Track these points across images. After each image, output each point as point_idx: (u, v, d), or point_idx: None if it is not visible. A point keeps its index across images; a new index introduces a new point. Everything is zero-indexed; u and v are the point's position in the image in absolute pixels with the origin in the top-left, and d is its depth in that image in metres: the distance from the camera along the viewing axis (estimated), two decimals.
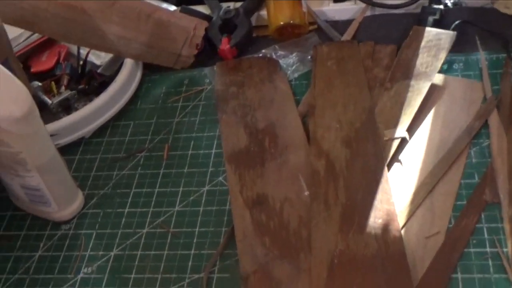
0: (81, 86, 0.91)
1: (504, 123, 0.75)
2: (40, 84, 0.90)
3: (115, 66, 0.93)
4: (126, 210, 0.78)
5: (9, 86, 0.66)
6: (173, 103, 0.91)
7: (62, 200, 0.76)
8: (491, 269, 0.63)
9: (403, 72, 0.83)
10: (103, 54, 0.95)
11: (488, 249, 0.65)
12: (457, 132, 0.76)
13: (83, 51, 0.95)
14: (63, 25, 0.88)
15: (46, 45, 0.97)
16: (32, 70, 0.95)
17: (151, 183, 0.80)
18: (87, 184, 0.82)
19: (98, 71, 0.93)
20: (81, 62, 0.94)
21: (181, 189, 0.79)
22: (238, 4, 0.99)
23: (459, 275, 0.63)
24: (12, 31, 0.89)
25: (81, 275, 0.72)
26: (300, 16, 0.95)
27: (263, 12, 0.98)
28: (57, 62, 0.94)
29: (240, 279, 0.67)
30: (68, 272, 0.73)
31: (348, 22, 0.96)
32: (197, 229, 0.74)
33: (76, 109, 0.88)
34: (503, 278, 0.62)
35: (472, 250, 0.65)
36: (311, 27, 0.97)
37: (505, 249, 0.64)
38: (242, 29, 0.95)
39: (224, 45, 0.93)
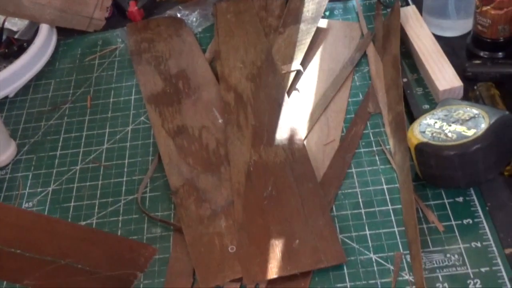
0: (0, 51, 0.97)
1: (379, 52, 0.90)
2: None
3: (32, 31, 1.00)
4: (58, 152, 0.85)
5: None
6: (90, 61, 0.99)
7: None
8: (378, 162, 0.77)
9: (293, 19, 0.96)
10: (19, 21, 1.01)
11: (374, 148, 0.79)
12: (342, 63, 0.90)
13: (0, 19, 1.01)
14: None
15: None
16: None
17: (78, 128, 0.88)
18: (17, 135, 0.89)
19: (15, 36, 0.99)
20: None
21: (107, 130, 0.87)
22: None
23: (353, 170, 0.77)
24: None
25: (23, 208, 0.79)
26: None
27: None
28: None
29: (170, 194, 0.77)
30: None
31: None
32: (126, 161, 0.83)
33: None
34: (388, 167, 0.76)
35: (362, 150, 0.79)
36: None
37: (388, 146, 0.79)
38: None
39: (132, 7, 1.02)
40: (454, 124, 0.70)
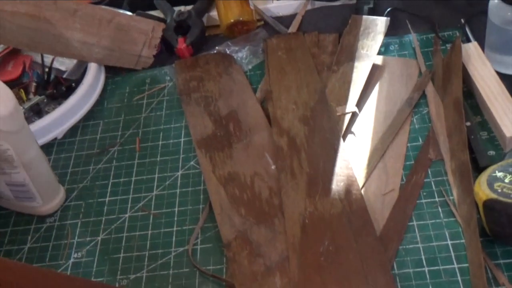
0: (49, 92, 0.96)
1: (439, 92, 0.86)
2: None
3: (80, 70, 0.99)
4: (107, 199, 0.83)
5: None
6: (138, 100, 0.97)
7: (46, 194, 0.82)
8: (441, 215, 0.73)
9: (347, 56, 0.93)
10: (67, 60, 1.00)
11: (437, 199, 0.75)
12: (400, 104, 0.86)
13: (47, 59, 1.00)
14: (28, 35, 0.94)
15: (10, 55, 1.01)
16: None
17: (127, 173, 0.86)
18: (66, 180, 0.87)
19: (64, 76, 0.98)
20: (46, 69, 0.98)
21: (156, 175, 0.85)
22: (190, 7, 1.06)
23: (415, 222, 0.73)
24: None
25: (72, 260, 0.77)
26: (248, 14, 1.03)
27: (214, 13, 1.06)
28: (23, 71, 0.99)
29: (222, 246, 0.74)
30: (59, 259, 0.78)
31: (291, 17, 1.05)
32: (176, 209, 0.80)
33: (47, 113, 0.93)
34: (452, 220, 0.72)
35: (423, 201, 0.75)
36: (258, 23, 1.05)
37: (451, 197, 0.74)
38: (196, 28, 1.02)
39: (181, 44, 1.00)
40: None
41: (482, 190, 0.66)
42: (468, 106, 0.83)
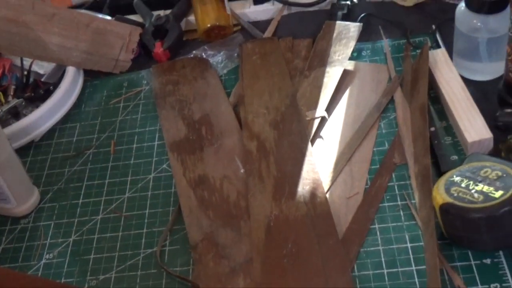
0: (27, 94, 0.98)
1: (407, 97, 0.87)
2: None
3: (58, 74, 1.00)
4: (80, 201, 0.85)
5: None
6: (115, 104, 0.99)
7: (20, 196, 0.83)
8: (403, 218, 0.75)
9: (319, 61, 0.94)
10: (46, 63, 1.02)
11: (399, 202, 0.76)
12: (368, 109, 0.88)
13: (26, 62, 1.02)
14: (7, 38, 0.95)
15: None
16: None
17: (101, 175, 0.88)
18: (41, 182, 0.89)
19: (42, 79, 1.00)
20: (25, 73, 1.00)
21: (129, 178, 0.87)
22: (168, 11, 1.08)
23: (377, 225, 0.74)
24: None
25: (43, 261, 0.79)
26: (225, 19, 1.05)
27: (191, 18, 1.08)
28: (2, 74, 1.01)
29: (189, 248, 0.76)
30: (31, 259, 0.79)
31: (268, 22, 1.07)
32: (147, 211, 0.82)
33: (25, 115, 0.95)
34: (413, 224, 0.74)
35: (386, 204, 0.76)
36: (235, 28, 1.07)
37: (413, 201, 0.76)
38: (173, 33, 1.04)
39: (158, 48, 1.02)
40: (481, 184, 0.67)
41: (440, 194, 0.68)
42: (435, 111, 0.85)
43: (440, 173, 0.76)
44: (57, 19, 0.96)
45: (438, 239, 0.69)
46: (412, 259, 0.70)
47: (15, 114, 0.96)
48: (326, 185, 0.79)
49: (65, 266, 0.78)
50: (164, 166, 0.87)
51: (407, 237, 0.72)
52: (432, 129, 0.81)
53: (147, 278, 0.75)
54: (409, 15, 1.01)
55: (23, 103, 0.97)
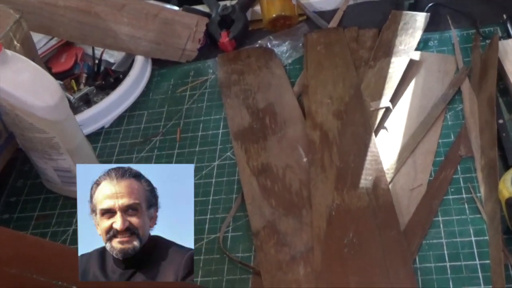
0: (98, 82, 1.01)
1: (475, 89, 0.86)
2: (61, 82, 1.01)
3: (128, 62, 1.03)
4: None
5: (42, 80, 0.77)
6: (181, 92, 1.01)
7: None
8: (467, 211, 0.73)
9: (384, 51, 0.93)
10: (116, 53, 1.05)
11: (464, 195, 0.75)
12: (434, 100, 0.86)
13: (98, 51, 1.05)
14: (79, 28, 0.99)
15: (64, 48, 1.07)
16: (53, 70, 1.04)
17: (167, 162, 0.90)
18: None
19: (113, 68, 1.03)
20: (96, 61, 1.04)
21: (194, 165, 0.89)
22: (234, 2, 1.09)
23: (440, 218, 0.74)
24: (34, 37, 0.99)
25: None
26: (290, 8, 1.05)
27: (257, 8, 1.09)
28: (75, 62, 1.04)
29: (251, 235, 0.77)
30: None
31: (333, 12, 1.06)
32: (211, 198, 0.84)
33: (95, 103, 0.98)
34: (478, 217, 0.73)
35: (450, 197, 0.75)
36: (300, 18, 1.07)
37: (478, 194, 0.75)
38: (239, 23, 1.05)
39: (224, 38, 1.04)
40: None
41: (506, 187, 0.67)
42: (504, 103, 0.83)
43: (507, 166, 0.75)
44: (127, 9, 0.99)
45: (504, 233, 0.68)
46: (476, 253, 0.69)
47: (87, 101, 1.00)
48: (389, 176, 0.79)
49: None
50: (228, 154, 0.89)
51: (471, 230, 0.71)
52: (500, 121, 0.79)
53: (210, 263, 0.76)
54: (479, 4, 0.99)
55: (94, 91, 1.01)
